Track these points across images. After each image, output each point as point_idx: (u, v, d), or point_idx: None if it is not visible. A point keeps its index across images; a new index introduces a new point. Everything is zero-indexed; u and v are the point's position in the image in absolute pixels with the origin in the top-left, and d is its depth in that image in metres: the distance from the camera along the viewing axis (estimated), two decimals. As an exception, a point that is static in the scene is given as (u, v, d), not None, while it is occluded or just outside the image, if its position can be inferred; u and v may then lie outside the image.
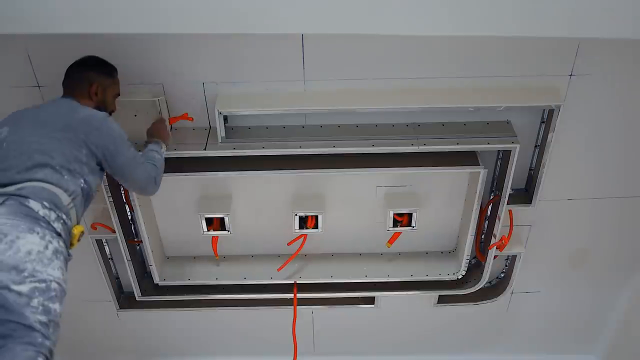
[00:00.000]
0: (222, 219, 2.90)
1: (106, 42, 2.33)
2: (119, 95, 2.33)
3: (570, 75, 2.49)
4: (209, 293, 3.25)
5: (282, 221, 2.98)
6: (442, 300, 3.41)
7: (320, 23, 2.02)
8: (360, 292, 3.30)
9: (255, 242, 3.16)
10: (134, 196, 2.71)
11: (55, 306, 1.77)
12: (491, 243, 2.96)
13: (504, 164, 2.72)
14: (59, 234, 1.86)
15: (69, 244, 1.96)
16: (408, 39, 2.33)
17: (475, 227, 2.91)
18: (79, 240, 2.00)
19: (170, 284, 3.17)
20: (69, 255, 1.92)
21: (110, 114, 2.26)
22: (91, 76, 2.20)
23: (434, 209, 2.98)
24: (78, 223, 2.00)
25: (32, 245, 1.75)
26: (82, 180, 1.99)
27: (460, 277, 3.16)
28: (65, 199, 1.91)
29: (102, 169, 2.12)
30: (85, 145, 2.00)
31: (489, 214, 2.97)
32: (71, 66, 2.22)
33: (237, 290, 3.24)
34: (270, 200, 2.95)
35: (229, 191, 2.92)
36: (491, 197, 2.91)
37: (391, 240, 3.03)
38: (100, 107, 2.20)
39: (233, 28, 2.07)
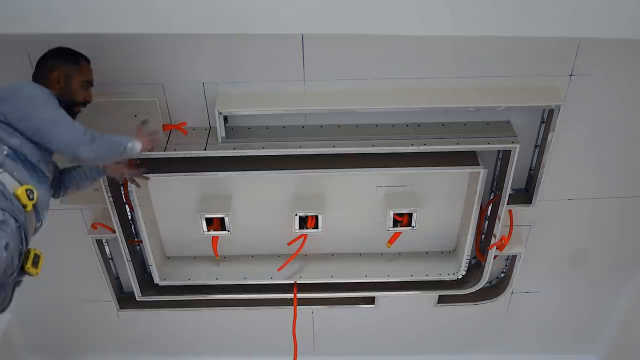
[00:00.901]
0: (222, 219, 2.90)
1: (106, 42, 2.33)
2: (91, 84, 2.26)
3: (570, 75, 2.49)
4: (209, 293, 3.25)
5: (282, 221, 2.98)
6: (442, 300, 3.41)
7: (320, 23, 2.02)
8: (360, 292, 3.30)
9: (255, 242, 3.16)
10: (134, 196, 2.70)
11: None
12: (491, 243, 2.96)
13: (504, 164, 2.72)
14: None
15: (20, 206, 1.93)
16: (408, 39, 2.32)
17: (475, 227, 2.91)
18: (30, 198, 1.96)
19: (170, 284, 3.17)
20: (3, 214, 1.86)
21: (84, 104, 2.23)
22: (52, 63, 2.17)
23: (434, 209, 2.98)
24: (22, 185, 1.97)
25: None
26: (6, 147, 1.96)
27: (460, 277, 3.16)
28: None
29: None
30: None
31: (489, 214, 2.97)
32: (38, 59, 2.21)
33: (237, 290, 3.24)
34: (271, 200, 2.95)
35: (229, 191, 2.92)
36: (491, 197, 2.91)
37: (391, 240, 3.03)
38: (65, 95, 2.15)
39: (233, 28, 2.07)
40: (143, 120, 2.43)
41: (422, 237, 3.13)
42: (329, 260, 3.22)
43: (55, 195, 2.35)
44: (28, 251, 1.98)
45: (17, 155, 1.99)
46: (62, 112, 2.06)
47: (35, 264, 1.98)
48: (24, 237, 1.94)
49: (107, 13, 1.98)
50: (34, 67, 2.21)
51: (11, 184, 1.94)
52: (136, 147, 2.22)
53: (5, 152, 1.96)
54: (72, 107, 2.18)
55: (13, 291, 1.98)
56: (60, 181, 2.35)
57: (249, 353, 3.80)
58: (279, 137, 2.62)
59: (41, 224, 2.10)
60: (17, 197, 1.93)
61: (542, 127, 2.67)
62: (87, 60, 2.26)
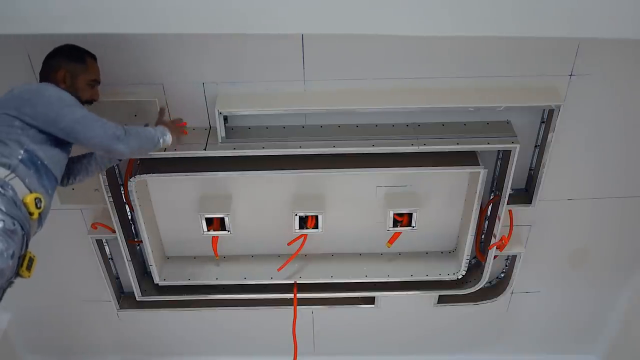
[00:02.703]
0: (222, 219, 2.90)
1: (106, 42, 2.33)
2: (97, 82, 2.27)
3: (570, 75, 2.49)
4: (209, 293, 3.25)
5: (282, 221, 2.98)
6: (442, 300, 3.41)
7: (320, 23, 2.02)
8: (360, 292, 3.30)
9: (255, 242, 3.16)
10: (134, 196, 2.70)
11: None
12: (491, 243, 2.96)
13: (504, 164, 2.72)
14: None
15: (27, 214, 1.93)
16: (408, 39, 2.33)
17: (475, 227, 2.91)
18: (37, 207, 1.96)
19: (170, 284, 3.17)
20: (14, 224, 1.86)
21: (90, 102, 2.24)
22: (58, 62, 2.17)
23: (434, 209, 2.98)
24: (32, 192, 1.96)
25: None
26: (22, 151, 1.96)
27: (460, 277, 3.16)
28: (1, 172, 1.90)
29: (53, 137, 2.05)
30: (18, 119, 1.98)
31: (489, 214, 2.97)
32: (44, 58, 2.21)
33: (237, 290, 3.24)
34: (271, 200, 2.95)
35: (229, 191, 2.92)
36: (491, 197, 2.91)
37: (391, 240, 3.03)
38: (71, 93, 2.14)
39: (233, 28, 2.07)
40: (160, 109, 2.48)
41: (422, 237, 3.13)
42: (329, 260, 3.22)
43: (63, 183, 2.34)
44: (24, 255, 1.98)
45: (31, 160, 1.98)
46: (87, 110, 2.09)
47: (29, 267, 1.99)
48: (25, 243, 1.95)
49: (107, 13, 1.98)
50: (41, 66, 2.21)
51: (21, 191, 1.93)
52: (167, 139, 2.29)
53: (19, 157, 1.95)
54: None
55: (4, 292, 1.98)
56: (69, 170, 2.33)
57: (249, 353, 3.80)
58: (279, 137, 2.62)
59: (41, 228, 2.10)
60: (25, 205, 1.93)
61: (542, 127, 2.67)
62: (94, 58, 2.27)
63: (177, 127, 2.46)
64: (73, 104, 2.07)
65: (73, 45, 2.24)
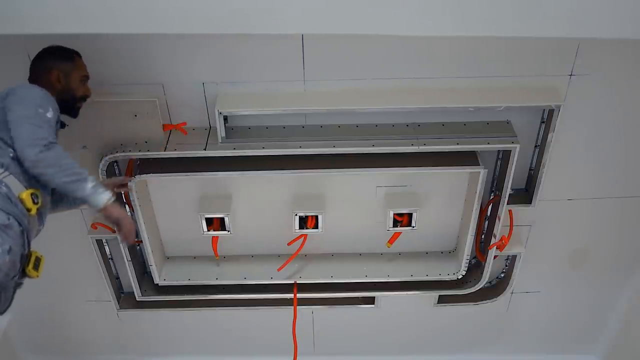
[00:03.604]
0: (222, 219, 2.90)
1: (106, 42, 2.33)
2: (87, 77, 2.27)
3: (570, 75, 2.49)
4: (209, 293, 3.25)
5: (282, 221, 2.98)
6: (442, 300, 3.41)
7: (320, 23, 2.02)
8: (360, 292, 3.30)
9: (255, 242, 3.16)
10: (134, 196, 2.70)
11: None
12: (491, 243, 2.96)
13: (504, 164, 2.72)
14: None
15: (24, 210, 1.93)
16: (408, 39, 2.33)
17: (475, 227, 2.91)
18: (35, 202, 1.96)
19: (170, 284, 3.17)
20: (9, 218, 1.86)
21: (84, 99, 2.24)
22: (49, 64, 2.17)
23: (434, 209, 2.98)
24: (27, 188, 1.96)
25: None
26: (11, 149, 1.95)
27: (460, 277, 3.16)
28: None
29: None
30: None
31: (489, 214, 2.97)
32: (31, 61, 2.21)
33: (237, 290, 3.24)
34: (271, 200, 2.95)
35: (229, 191, 2.92)
36: (491, 197, 2.91)
37: (391, 240, 3.03)
38: (66, 93, 2.16)
39: (233, 28, 2.07)
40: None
41: (422, 237, 3.13)
42: (329, 260, 3.22)
43: None
44: (29, 254, 1.98)
45: (19, 158, 1.97)
46: (45, 118, 1.97)
47: (36, 266, 1.99)
48: (26, 241, 1.95)
49: (107, 13, 1.98)
50: (29, 70, 2.20)
51: (16, 187, 1.94)
52: (103, 195, 2.01)
53: (11, 155, 1.96)
54: (73, 103, 2.20)
55: (14, 293, 1.99)
56: None
57: (249, 353, 3.80)
58: (279, 137, 2.62)
59: (43, 226, 2.10)
60: (22, 201, 1.94)
61: (542, 127, 2.67)
62: (80, 55, 2.27)
63: (126, 228, 2.14)
64: (33, 102, 1.97)
65: (57, 45, 2.23)
